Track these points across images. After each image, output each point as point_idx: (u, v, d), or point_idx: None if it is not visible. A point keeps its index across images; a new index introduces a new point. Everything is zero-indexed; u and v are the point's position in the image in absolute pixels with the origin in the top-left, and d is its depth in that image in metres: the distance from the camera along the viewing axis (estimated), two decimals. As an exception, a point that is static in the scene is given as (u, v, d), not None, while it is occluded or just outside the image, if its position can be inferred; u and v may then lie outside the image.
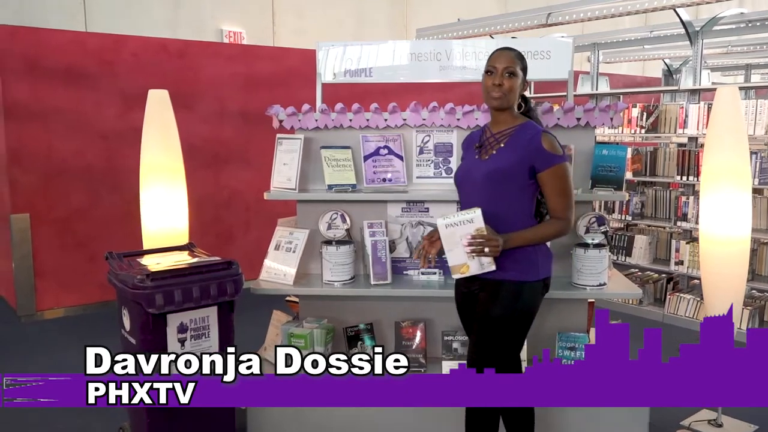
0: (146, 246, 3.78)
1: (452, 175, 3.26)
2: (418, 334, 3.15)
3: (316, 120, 3.30)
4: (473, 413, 2.49)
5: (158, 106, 3.81)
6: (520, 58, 2.40)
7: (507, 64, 2.35)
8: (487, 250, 2.24)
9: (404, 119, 3.25)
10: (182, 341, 2.62)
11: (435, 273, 3.21)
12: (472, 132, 2.65)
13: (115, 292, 2.74)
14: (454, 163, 3.28)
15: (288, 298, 3.51)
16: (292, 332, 3.08)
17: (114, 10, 7.82)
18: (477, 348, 2.42)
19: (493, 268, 2.29)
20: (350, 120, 3.27)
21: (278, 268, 3.20)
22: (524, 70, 2.42)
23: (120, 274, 2.65)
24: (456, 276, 2.32)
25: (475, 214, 2.24)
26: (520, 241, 2.33)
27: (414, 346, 3.14)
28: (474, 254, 2.26)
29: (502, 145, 2.39)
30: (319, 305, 3.29)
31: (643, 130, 5.53)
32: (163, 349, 2.57)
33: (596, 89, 6.69)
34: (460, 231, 2.22)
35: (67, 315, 5.46)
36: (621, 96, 6.47)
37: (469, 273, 2.29)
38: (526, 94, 2.55)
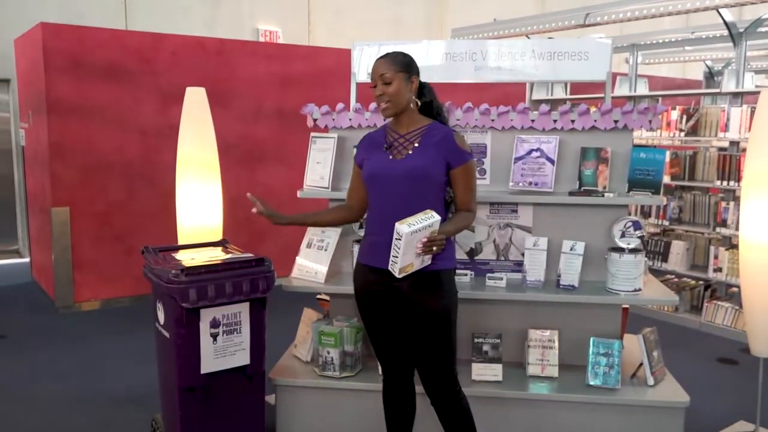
0: (181, 241, 3.84)
1: (485, 176, 3.26)
2: (448, 335, 3.13)
3: (350, 119, 3.32)
4: (392, 406, 2.66)
5: (195, 104, 3.86)
6: (395, 60, 2.42)
7: (381, 72, 2.40)
8: (435, 249, 2.26)
9: (438, 119, 3.23)
10: (214, 336, 2.65)
11: (465, 274, 3.19)
12: (370, 133, 2.66)
13: (150, 285, 2.79)
14: (488, 164, 3.26)
15: (319, 296, 3.53)
16: (322, 330, 3.09)
17: (154, 9, 7.97)
18: (435, 345, 2.44)
19: (430, 261, 2.34)
20: (384, 119, 3.26)
21: (310, 266, 3.21)
22: (405, 68, 2.42)
23: (155, 268, 2.70)
24: (402, 275, 2.27)
25: (435, 219, 2.25)
26: (449, 233, 2.39)
27: (444, 348, 3.13)
28: (423, 254, 2.26)
29: (416, 144, 2.46)
30: (350, 304, 3.28)
31: (682, 134, 5.41)
32: (195, 344, 2.61)
33: (634, 91, 6.58)
34: (420, 236, 2.23)
35: (104, 307, 5.58)
36: (660, 98, 6.34)
37: (412, 270, 2.30)
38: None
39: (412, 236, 2.19)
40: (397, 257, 2.22)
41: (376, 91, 2.43)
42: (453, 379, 2.51)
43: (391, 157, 2.47)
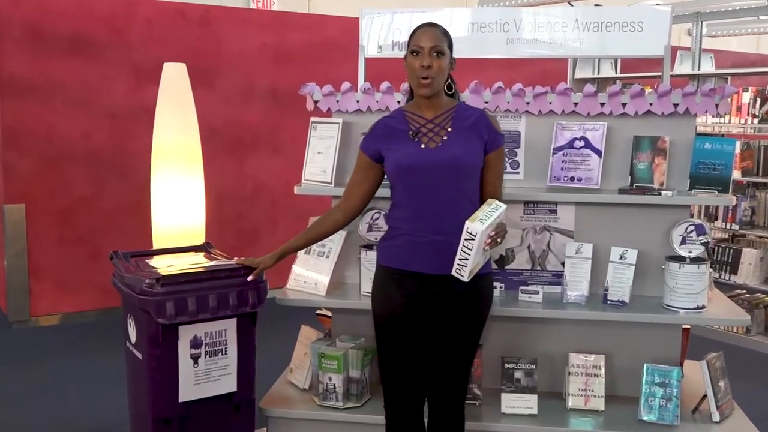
0: (156, 244, 3.87)
1: (518, 170, 3.26)
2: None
3: (358, 101, 3.32)
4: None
5: (174, 82, 3.89)
6: (446, 34, 2.50)
7: (434, 43, 2.43)
8: (499, 240, 2.37)
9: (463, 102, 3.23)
10: (195, 358, 2.66)
11: (495, 287, 3.18)
12: (384, 118, 2.69)
13: (119, 297, 2.80)
14: (522, 155, 3.25)
15: (319, 312, 3.54)
16: (323, 352, 3.09)
17: (126, -31, 8.01)
18: (462, 359, 2.60)
19: (492, 255, 2.48)
20: (398, 102, 3.26)
21: (308, 276, 3.22)
22: (451, 47, 2.51)
23: (126, 277, 2.71)
24: (469, 278, 2.34)
25: (502, 208, 2.35)
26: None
27: (468, 374, 3.13)
28: (490, 248, 2.35)
29: (449, 129, 2.52)
30: (356, 321, 3.29)
31: (755, 120, 5.38)
32: (173, 367, 2.62)
33: (698, 69, 6.53)
34: (489, 230, 2.31)
35: (65, 322, 5.61)
36: (729, 78, 6.31)
37: (477, 270, 2.37)
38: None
39: (484, 234, 2.27)
40: (467, 260, 2.28)
41: (423, 61, 2.42)
42: (462, 407, 2.64)
43: (423, 146, 2.51)
